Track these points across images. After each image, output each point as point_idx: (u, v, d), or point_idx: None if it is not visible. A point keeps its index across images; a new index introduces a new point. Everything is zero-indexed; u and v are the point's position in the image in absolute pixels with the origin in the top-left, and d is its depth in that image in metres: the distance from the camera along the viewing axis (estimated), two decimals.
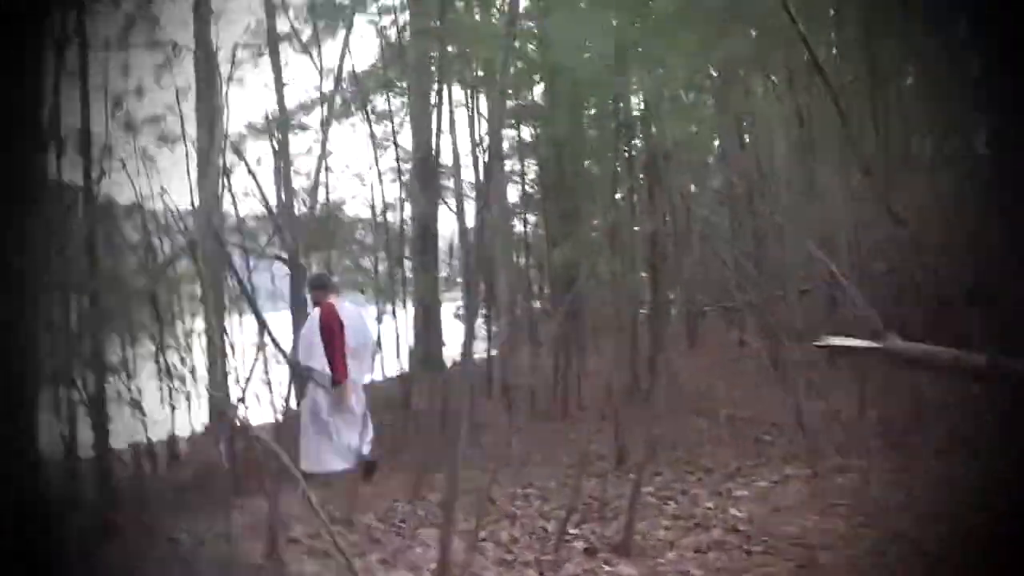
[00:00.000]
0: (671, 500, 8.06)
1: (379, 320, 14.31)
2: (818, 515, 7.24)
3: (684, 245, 13.60)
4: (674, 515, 7.65)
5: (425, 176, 18.53)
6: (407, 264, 18.85)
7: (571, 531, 7.29)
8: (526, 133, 18.21)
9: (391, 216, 16.86)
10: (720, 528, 7.12)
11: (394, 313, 15.89)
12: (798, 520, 7.14)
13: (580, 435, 11.22)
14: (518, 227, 20.07)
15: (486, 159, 13.72)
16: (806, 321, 11.53)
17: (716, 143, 16.77)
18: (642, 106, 13.99)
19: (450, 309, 19.90)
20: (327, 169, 16.35)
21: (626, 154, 14.71)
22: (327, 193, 16.88)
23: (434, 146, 17.24)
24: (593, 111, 15.50)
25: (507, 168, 18.49)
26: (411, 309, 18.16)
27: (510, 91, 15.25)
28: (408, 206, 18.39)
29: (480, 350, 16.42)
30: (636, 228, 13.97)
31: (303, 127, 17.94)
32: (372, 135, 16.55)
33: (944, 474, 7.76)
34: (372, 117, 17.11)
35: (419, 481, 9.05)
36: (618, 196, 14.97)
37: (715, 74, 14.92)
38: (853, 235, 11.31)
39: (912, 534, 6.43)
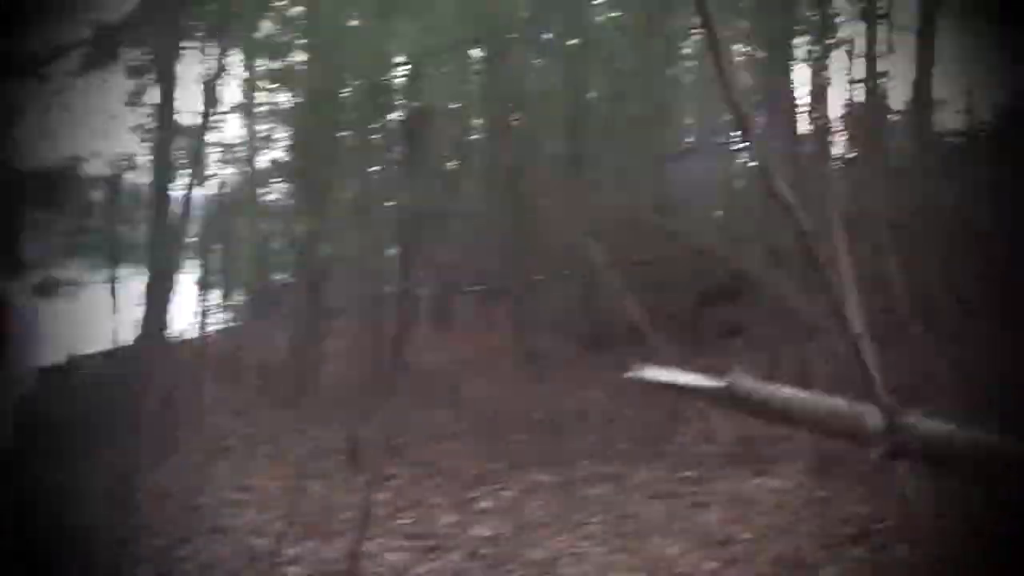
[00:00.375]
0: (406, 512, 6.95)
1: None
2: (569, 535, 6.34)
3: (441, 223, 12.57)
4: (409, 533, 6.57)
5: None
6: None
7: (288, 551, 6.10)
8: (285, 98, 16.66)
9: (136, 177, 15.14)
10: (460, 552, 6.09)
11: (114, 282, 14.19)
12: (546, 542, 6.21)
13: (311, 426, 10.02)
14: (269, 196, 18.55)
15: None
16: (566, 310, 10.74)
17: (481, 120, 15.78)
18: (406, 69, 12.84)
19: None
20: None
21: (384, 122, 13.53)
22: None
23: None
24: (354, 76, 14.22)
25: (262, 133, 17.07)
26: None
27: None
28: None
29: (213, 325, 15.00)
30: (388, 203, 12.81)
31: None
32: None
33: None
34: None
35: None
36: (373, 168, 13.83)
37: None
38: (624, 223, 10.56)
39: (670, 558, 5.63)
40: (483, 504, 7.03)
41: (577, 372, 10.07)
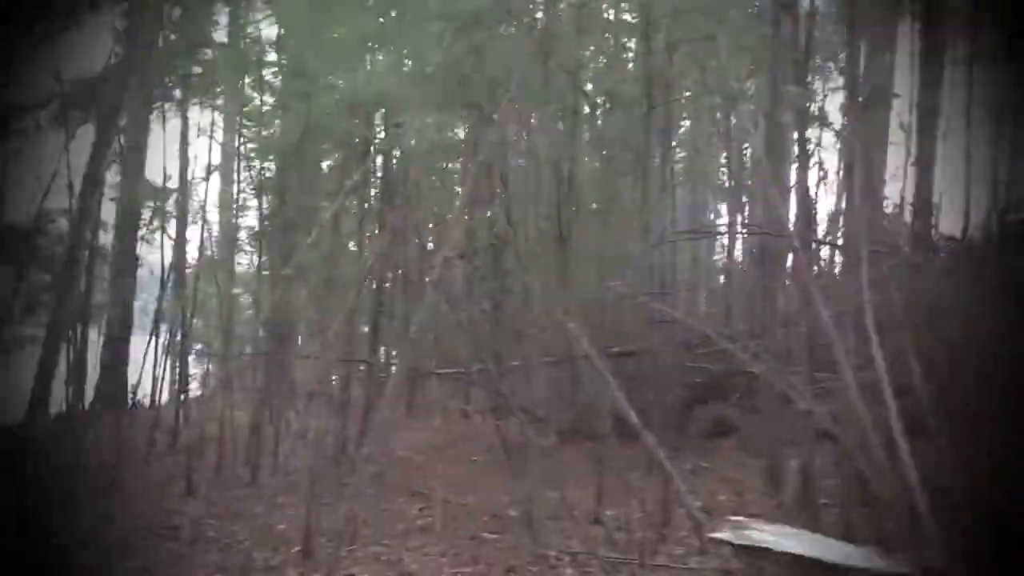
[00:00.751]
0: None
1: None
2: None
3: (414, 297, 11.82)
4: None
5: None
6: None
7: None
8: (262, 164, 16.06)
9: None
10: None
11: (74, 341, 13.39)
12: None
13: (265, 511, 9.14)
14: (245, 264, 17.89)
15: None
16: (547, 397, 9.97)
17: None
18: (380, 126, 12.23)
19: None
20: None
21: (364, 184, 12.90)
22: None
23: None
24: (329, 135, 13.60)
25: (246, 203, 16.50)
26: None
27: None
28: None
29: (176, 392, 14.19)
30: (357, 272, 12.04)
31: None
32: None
33: None
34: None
35: None
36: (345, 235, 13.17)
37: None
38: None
39: None
40: None
41: (557, 465, 9.25)
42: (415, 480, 10.82)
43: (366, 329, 13.08)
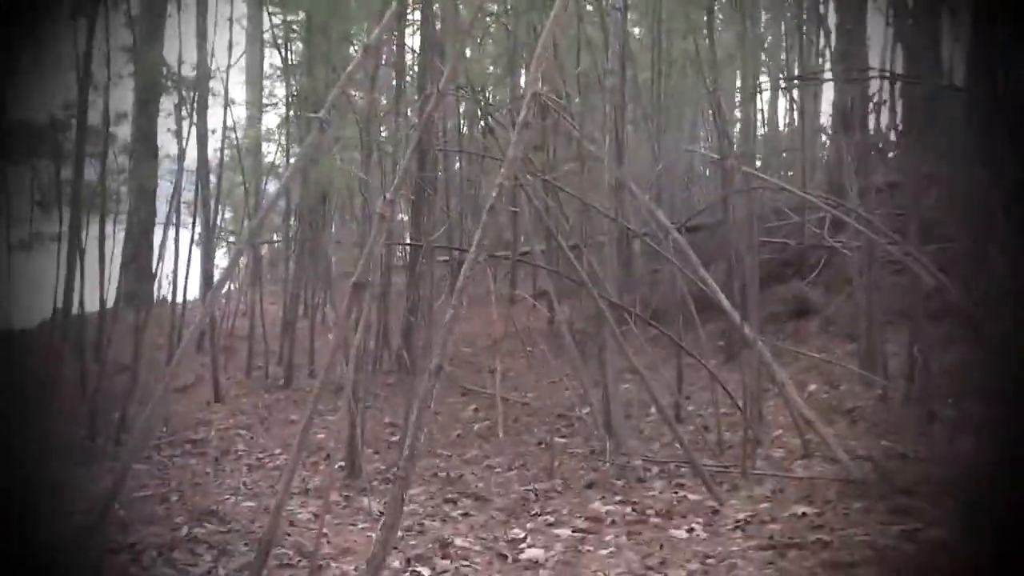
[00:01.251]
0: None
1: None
2: None
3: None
4: None
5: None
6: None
7: None
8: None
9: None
10: None
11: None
12: None
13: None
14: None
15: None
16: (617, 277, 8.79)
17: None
18: None
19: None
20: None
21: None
22: None
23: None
24: None
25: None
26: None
27: None
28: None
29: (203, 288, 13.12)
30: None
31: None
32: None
33: None
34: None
35: None
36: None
37: None
38: None
39: None
40: (531, 553, 5.01)
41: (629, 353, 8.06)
42: (469, 377, 9.75)
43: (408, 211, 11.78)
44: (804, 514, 5.32)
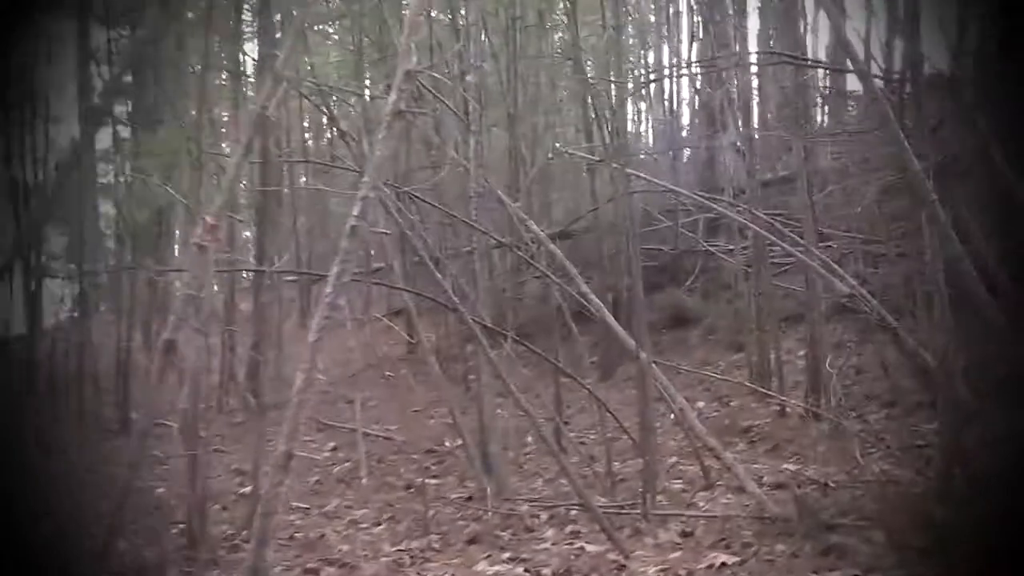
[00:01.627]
0: None
1: None
2: None
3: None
4: None
5: None
6: None
7: None
8: None
9: None
10: None
11: None
12: None
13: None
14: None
15: None
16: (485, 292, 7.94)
17: None
18: None
19: None
20: None
21: None
22: None
23: None
24: None
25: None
26: None
27: None
28: None
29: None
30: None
31: None
32: None
33: None
34: None
35: None
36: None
37: None
38: None
39: None
40: None
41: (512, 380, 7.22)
42: (324, 410, 8.75)
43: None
44: (724, 564, 4.56)
